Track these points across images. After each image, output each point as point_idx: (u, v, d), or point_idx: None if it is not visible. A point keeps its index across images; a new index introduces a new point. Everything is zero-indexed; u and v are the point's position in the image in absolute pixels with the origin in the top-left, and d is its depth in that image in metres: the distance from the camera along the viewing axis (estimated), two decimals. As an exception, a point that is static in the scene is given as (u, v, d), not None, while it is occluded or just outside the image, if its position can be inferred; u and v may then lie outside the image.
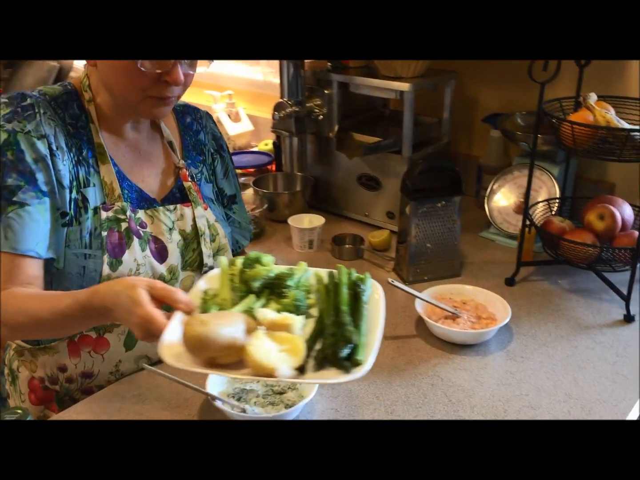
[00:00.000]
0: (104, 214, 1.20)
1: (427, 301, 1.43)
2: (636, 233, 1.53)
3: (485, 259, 1.81)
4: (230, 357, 0.89)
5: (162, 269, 1.28)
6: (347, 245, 1.85)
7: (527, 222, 1.63)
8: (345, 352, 0.91)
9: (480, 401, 1.23)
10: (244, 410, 1.10)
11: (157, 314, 0.95)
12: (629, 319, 1.49)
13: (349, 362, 0.91)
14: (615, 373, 1.32)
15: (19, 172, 1.10)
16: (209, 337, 0.85)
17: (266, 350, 0.87)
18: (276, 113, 1.93)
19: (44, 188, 1.13)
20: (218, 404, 1.10)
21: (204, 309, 1.01)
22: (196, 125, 1.41)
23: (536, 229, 1.65)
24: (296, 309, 1.00)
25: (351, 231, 1.93)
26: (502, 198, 1.89)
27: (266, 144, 2.43)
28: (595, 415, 1.20)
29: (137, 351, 1.32)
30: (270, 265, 1.06)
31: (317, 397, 1.19)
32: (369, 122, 2.09)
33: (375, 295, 1.06)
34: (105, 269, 1.20)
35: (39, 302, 1.08)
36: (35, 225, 1.12)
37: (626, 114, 1.55)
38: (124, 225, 1.23)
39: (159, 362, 1.23)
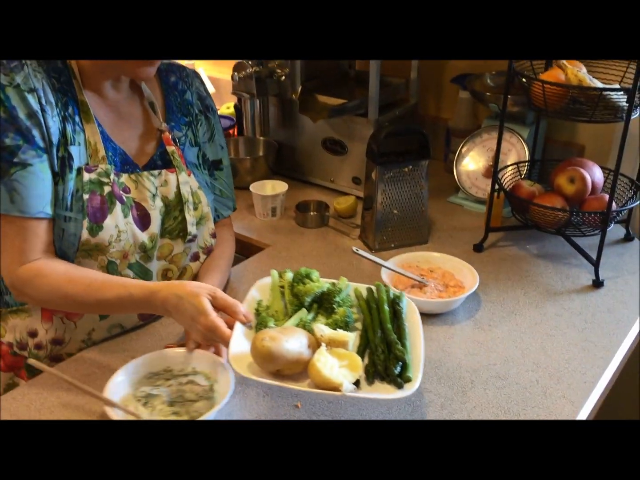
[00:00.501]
0: (86, 176, 1.13)
1: (393, 270, 1.38)
2: (606, 196, 1.49)
3: (454, 225, 1.77)
4: (294, 370, 0.97)
5: (143, 236, 1.21)
6: (311, 213, 1.78)
7: (496, 187, 1.58)
8: (397, 369, 1.00)
9: (447, 372, 1.19)
10: (138, 417, 1.01)
11: (221, 323, 1.03)
12: (597, 284, 1.46)
13: (401, 379, 0.99)
14: (584, 340, 1.29)
15: (15, 130, 1.05)
16: (278, 352, 0.93)
17: (331, 365, 0.95)
18: (236, 74, 1.84)
19: (41, 145, 1.08)
20: (110, 412, 0.99)
21: (259, 321, 1.09)
22: (182, 85, 1.32)
23: (505, 194, 1.60)
24: (346, 325, 1.08)
25: (316, 198, 1.86)
26: (471, 162, 1.84)
27: (228, 107, 2.34)
28: (563, 383, 1.17)
29: (111, 320, 1.26)
30: (320, 282, 1.14)
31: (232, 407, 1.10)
32: (334, 83, 2.01)
33: (412, 313, 1.13)
34: (84, 234, 1.13)
35: (78, 286, 1.11)
36: (42, 184, 1.09)
37: (598, 73, 1.50)
38: (106, 189, 1.15)
39: (131, 329, 1.30)
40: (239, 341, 1.03)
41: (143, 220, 1.22)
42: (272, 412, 1.09)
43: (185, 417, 1.04)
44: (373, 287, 1.18)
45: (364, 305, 1.16)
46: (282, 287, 1.18)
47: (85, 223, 1.13)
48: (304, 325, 1.08)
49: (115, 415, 0.99)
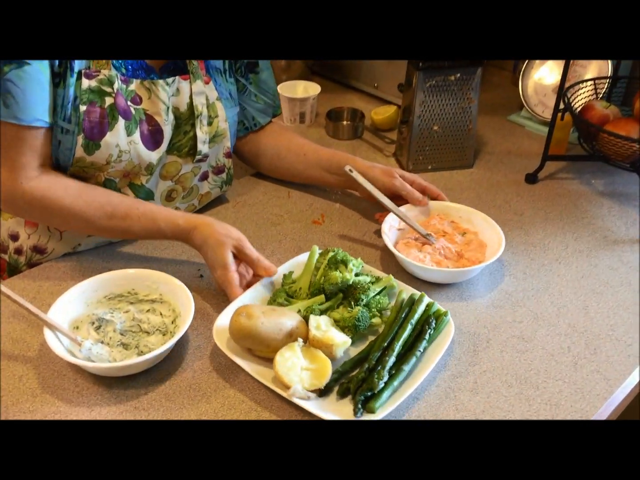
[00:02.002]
0: (85, 83, 0.97)
1: (390, 209, 1.14)
2: (699, 128, 1.19)
3: (509, 148, 1.51)
4: (265, 353, 0.91)
5: (152, 157, 1.06)
6: (344, 122, 1.57)
7: (562, 105, 1.31)
8: (367, 394, 0.85)
9: (460, 323, 1.00)
10: (80, 345, 0.89)
11: (235, 281, 0.99)
12: (671, 235, 1.20)
13: (362, 407, 0.85)
14: (637, 304, 1.05)
15: None
16: (249, 331, 0.88)
17: (291, 365, 0.87)
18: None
19: None
20: (48, 337, 0.88)
21: (274, 292, 1.02)
22: None
23: (571, 115, 1.33)
24: (353, 328, 0.95)
25: (355, 105, 1.64)
26: (543, 73, 1.55)
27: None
28: (601, 355, 0.95)
29: (100, 238, 1.13)
30: (351, 273, 1.00)
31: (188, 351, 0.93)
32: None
33: (445, 336, 0.95)
34: (79, 151, 0.99)
35: (99, 212, 1.02)
36: (39, 87, 0.94)
37: None
38: (108, 100, 0.99)
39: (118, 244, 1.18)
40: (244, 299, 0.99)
41: (155, 138, 1.06)
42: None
43: (132, 351, 0.91)
44: (417, 295, 1.00)
45: (393, 313, 0.98)
46: (319, 266, 1.04)
47: (80, 139, 0.98)
48: (311, 312, 0.96)
49: (53, 340, 0.87)
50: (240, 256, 1.01)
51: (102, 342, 0.92)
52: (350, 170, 1.14)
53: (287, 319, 0.92)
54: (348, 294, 1.00)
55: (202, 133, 1.11)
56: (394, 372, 0.88)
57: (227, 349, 0.91)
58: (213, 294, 1.05)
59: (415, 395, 0.89)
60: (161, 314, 0.96)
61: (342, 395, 0.88)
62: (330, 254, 1.03)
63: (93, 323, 0.94)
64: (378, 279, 1.04)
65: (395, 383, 0.87)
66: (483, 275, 1.10)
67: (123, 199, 1.04)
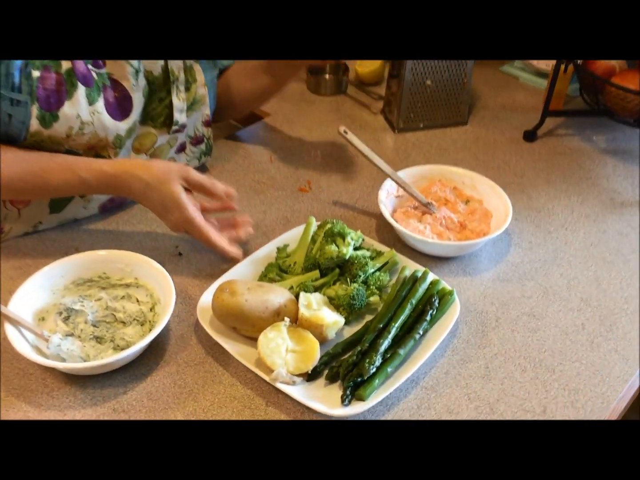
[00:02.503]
0: None
1: (387, 174, 1.03)
2: None
3: (503, 102, 1.41)
4: (250, 332, 0.83)
5: (120, 127, 0.93)
6: (326, 76, 1.44)
7: (564, 57, 1.21)
8: (357, 380, 0.77)
9: (466, 302, 0.92)
10: (47, 340, 0.79)
11: (199, 218, 0.90)
12: (680, 196, 1.13)
13: (350, 394, 0.77)
14: (652, 273, 0.99)
15: None
16: (232, 309, 0.81)
17: (275, 346, 0.79)
18: None
19: None
20: (9, 333, 0.77)
21: (267, 268, 0.93)
22: None
23: (574, 66, 1.23)
24: (348, 307, 0.86)
25: (337, 56, 1.51)
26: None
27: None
28: (617, 332, 0.89)
29: (64, 215, 1.01)
30: (348, 248, 0.91)
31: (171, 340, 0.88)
32: None
33: (449, 316, 0.87)
34: (35, 124, 0.86)
35: (13, 168, 0.87)
36: None
37: None
38: (65, 65, 0.86)
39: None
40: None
41: (122, 106, 0.93)
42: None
43: (107, 345, 0.81)
44: (421, 271, 0.90)
45: (393, 291, 0.89)
46: (315, 238, 0.96)
47: (35, 110, 0.85)
48: (304, 289, 0.88)
49: (15, 336, 0.76)
50: (191, 186, 0.91)
51: (72, 335, 0.82)
52: (345, 131, 1.03)
53: (275, 296, 0.83)
54: (345, 269, 0.91)
55: (178, 100, 0.99)
56: (388, 356, 0.80)
57: (211, 328, 0.83)
58: (194, 274, 0.95)
59: (425, 384, 0.81)
60: (138, 301, 0.86)
61: (331, 380, 0.80)
62: (328, 226, 0.94)
63: (61, 313, 0.84)
64: (379, 254, 0.95)
65: (390, 368, 0.79)
66: (487, 246, 1.02)
67: (42, 155, 0.90)
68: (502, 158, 1.23)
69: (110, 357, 0.76)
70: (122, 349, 0.81)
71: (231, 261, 0.93)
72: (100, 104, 0.90)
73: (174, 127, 1.01)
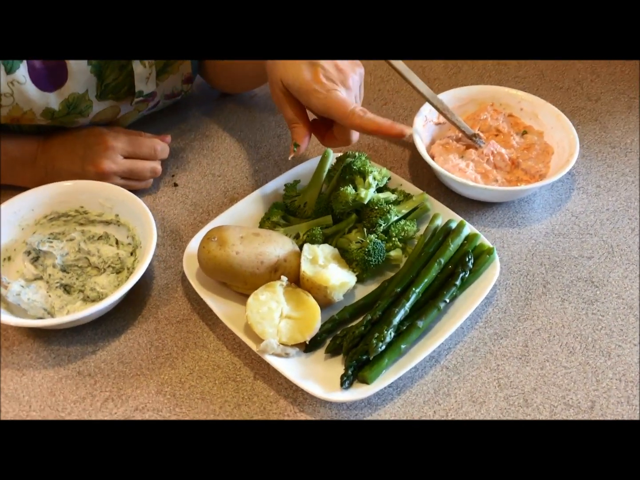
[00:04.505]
0: None
1: (429, 102, 0.83)
2: None
3: None
4: (242, 289, 0.70)
5: (51, 100, 0.75)
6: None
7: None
8: (362, 358, 0.64)
9: (507, 261, 0.76)
10: (6, 288, 0.68)
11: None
12: None
13: (351, 375, 0.64)
14: None
15: None
16: (219, 263, 0.68)
17: (267, 311, 0.66)
18: None
19: None
20: None
21: (270, 209, 0.78)
22: None
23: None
24: (363, 263, 0.72)
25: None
26: None
27: None
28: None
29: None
30: (368, 190, 0.74)
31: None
32: None
33: (486, 280, 0.71)
34: None
35: None
36: None
37: None
38: None
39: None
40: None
41: (54, 73, 0.74)
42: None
43: (75, 296, 0.70)
44: (454, 223, 0.74)
45: (419, 246, 0.73)
46: (333, 173, 0.80)
47: None
48: (311, 238, 0.74)
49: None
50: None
51: (41, 279, 0.71)
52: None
53: (275, 247, 0.69)
54: (363, 216, 0.76)
55: (143, 67, 0.79)
56: (404, 328, 0.66)
57: (198, 282, 0.70)
58: (190, 210, 0.82)
59: (446, 363, 0.67)
60: (117, 243, 0.74)
61: (333, 352, 0.67)
62: (347, 160, 0.78)
63: (29, 253, 0.72)
64: (407, 197, 0.79)
65: (404, 345, 0.65)
66: (543, 189, 0.84)
67: None
68: (574, 77, 1.02)
69: (76, 313, 0.65)
70: (93, 301, 0.70)
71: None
72: (21, 72, 0.71)
73: (137, 99, 0.82)
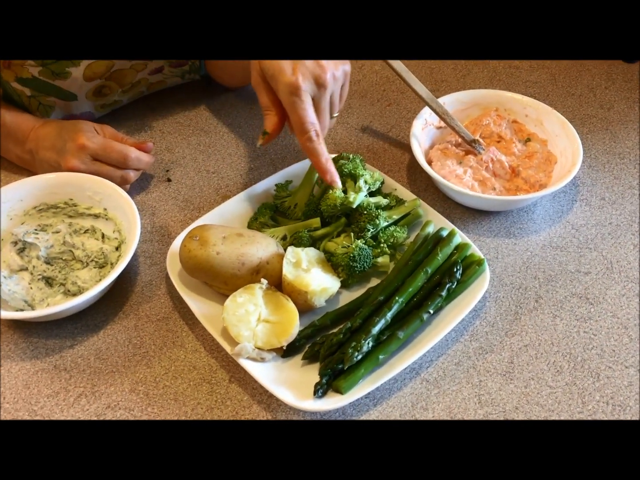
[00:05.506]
0: None
1: (428, 104, 0.82)
2: None
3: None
4: (222, 290, 0.69)
5: None
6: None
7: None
8: (337, 367, 0.63)
9: (499, 273, 0.74)
10: None
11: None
12: None
13: (325, 384, 0.62)
14: None
15: None
16: (200, 263, 0.67)
17: (243, 314, 0.64)
18: None
19: None
20: None
21: (259, 209, 0.77)
22: None
23: None
24: (348, 268, 0.70)
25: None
26: None
27: None
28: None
29: None
30: (358, 193, 0.73)
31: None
32: None
33: (474, 291, 0.69)
34: None
35: None
36: None
37: None
38: None
39: None
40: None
41: None
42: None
43: (56, 289, 0.70)
44: (446, 231, 0.72)
45: (407, 254, 0.72)
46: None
47: None
48: (297, 240, 0.73)
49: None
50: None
51: (26, 270, 0.71)
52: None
53: (257, 249, 0.68)
54: (352, 220, 0.74)
55: None
56: (384, 338, 0.64)
57: (180, 280, 0.70)
58: (181, 207, 0.81)
59: (427, 376, 0.65)
60: (103, 237, 0.73)
61: (310, 359, 0.66)
62: (340, 162, 0.76)
63: (16, 243, 0.72)
64: (400, 202, 0.77)
65: (382, 355, 0.63)
66: (543, 199, 0.81)
67: None
68: (587, 83, 0.98)
69: (55, 307, 0.65)
70: (73, 295, 0.69)
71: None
72: None
73: None
